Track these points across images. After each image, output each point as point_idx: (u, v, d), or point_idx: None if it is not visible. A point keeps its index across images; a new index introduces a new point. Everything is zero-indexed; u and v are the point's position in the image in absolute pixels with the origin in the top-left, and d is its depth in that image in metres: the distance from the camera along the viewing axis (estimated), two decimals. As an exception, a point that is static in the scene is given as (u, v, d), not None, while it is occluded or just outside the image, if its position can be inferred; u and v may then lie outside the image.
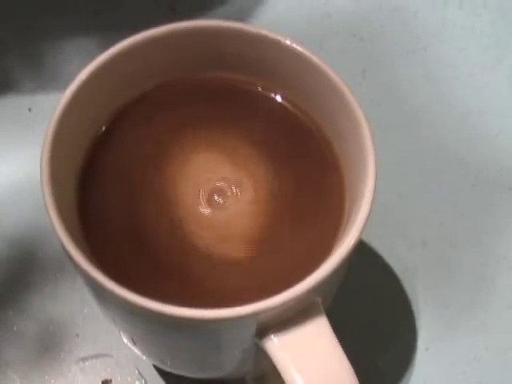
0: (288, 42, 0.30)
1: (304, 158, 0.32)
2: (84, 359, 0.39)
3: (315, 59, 0.30)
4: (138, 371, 0.38)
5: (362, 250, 0.41)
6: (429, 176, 0.45)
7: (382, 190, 0.42)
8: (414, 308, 0.41)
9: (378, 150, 0.42)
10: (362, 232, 0.27)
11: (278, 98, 0.33)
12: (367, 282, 0.41)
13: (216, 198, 0.31)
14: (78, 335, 0.39)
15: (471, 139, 0.46)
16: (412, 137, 0.46)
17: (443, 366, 0.39)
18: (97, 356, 0.39)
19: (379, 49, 0.50)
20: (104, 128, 0.32)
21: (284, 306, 0.25)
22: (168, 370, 0.35)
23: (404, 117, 0.47)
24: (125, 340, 0.34)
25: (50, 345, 0.39)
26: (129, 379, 0.38)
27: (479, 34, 0.51)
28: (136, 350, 0.34)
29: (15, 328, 0.39)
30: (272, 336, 0.26)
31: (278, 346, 0.26)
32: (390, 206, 0.43)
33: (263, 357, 0.27)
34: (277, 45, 0.31)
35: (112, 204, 0.31)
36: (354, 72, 0.48)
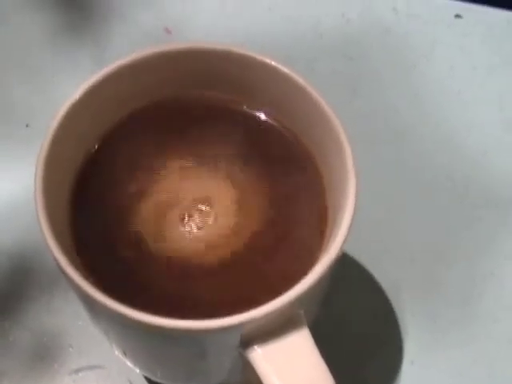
0: (273, 63, 0.32)
1: (288, 175, 0.33)
2: (77, 370, 0.39)
3: (299, 80, 0.31)
4: (130, 382, 0.39)
5: (349, 264, 0.42)
6: (417, 192, 0.46)
7: (371, 206, 0.43)
8: (401, 322, 0.41)
9: (368, 166, 0.43)
10: (342, 247, 0.28)
11: (263, 117, 0.34)
12: (355, 296, 0.42)
13: (199, 214, 0.32)
14: (71, 346, 0.40)
15: (459, 156, 0.47)
16: (401, 154, 0.47)
17: (428, 379, 0.40)
18: (90, 367, 0.39)
19: (369, 68, 0.51)
20: (96, 146, 0.33)
21: (267, 317, 0.26)
22: (158, 380, 0.36)
23: (393, 134, 0.48)
24: (116, 352, 0.35)
25: (44, 356, 0.40)
26: (121, 390, 0.39)
27: (467, 52, 0.52)
28: (127, 362, 0.35)
29: (11, 339, 0.40)
30: (256, 347, 0.27)
31: (262, 357, 0.27)
32: (379, 221, 0.44)
33: (248, 367, 0.28)
34: (262, 66, 0.32)
35: (103, 219, 0.32)
36: (344, 91, 0.49)
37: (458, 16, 0.53)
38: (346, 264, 0.42)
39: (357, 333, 0.41)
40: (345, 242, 0.28)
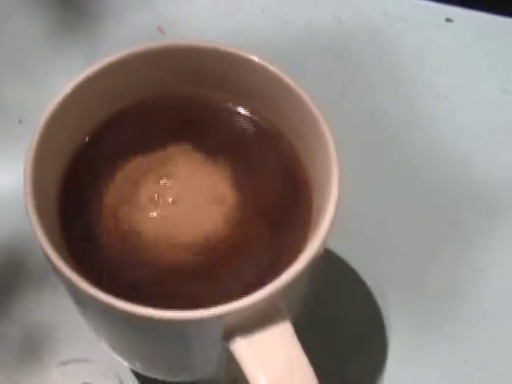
0: (258, 60, 0.32)
1: (272, 170, 0.34)
2: (65, 363, 0.40)
3: (283, 76, 0.32)
4: (117, 375, 0.40)
5: (337, 264, 0.43)
6: (405, 193, 0.46)
7: (359, 206, 0.44)
8: (386, 321, 0.42)
9: (356, 167, 0.44)
10: (323, 242, 0.29)
11: (249, 113, 0.35)
12: (342, 295, 0.42)
13: (186, 207, 0.32)
14: (60, 340, 0.40)
15: (447, 158, 0.48)
16: (390, 155, 0.48)
17: (414, 378, 0.41)
18: (77, 360, 0.40)
19: (360, 69, 0.51)
20: (86, 140, 0.34)
21: (247, 310, 0.27)
22: (145, 373, 0.37)
23: (382, 136, 0.48)
24: (104, 346, 0.35)
25: (33, 349, 0.40)
26: (108, 383, 0.40)
27: (457, 56, 0.52)
28: (115, 355, 0.36)
29: (0, 332, 0.41)
30: (238, 338, 0.28)
31: (244, 348, 0.28)
32: (367, 222, 0.45)
33: (231, 360, 0.29)
34: (247, 63, 0.33)
35: (92, 212, 0.32)
36: (334, 92, 0.50)
37: (448, 20, 0.54)
38: (333, 263, 0.42)
39: (343, 331, 0.41)
40: (326, 237, 0.29)
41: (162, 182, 0.33)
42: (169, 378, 0.36)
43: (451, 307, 0.43)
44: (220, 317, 0.27)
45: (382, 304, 0.42)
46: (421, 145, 0.48)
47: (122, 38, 0.51)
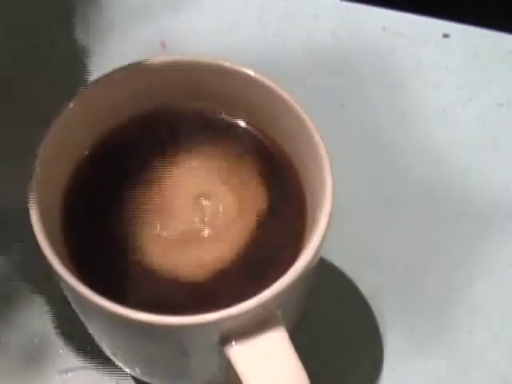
0: (252, 74, 0.34)
1: (269, 182, 0.35)
2: (66, 371, 0.40)
3: (278, 90, 0.33)
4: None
5: (331, 273, 0.43)
6: (400, 206, 0.47)
7: (355, 217, 0.45)
8: (381, 330, 0.42)
9: (352, 179, 0.45)
10: (317, 251, 0.29)
11: (243, 125, 0.36)
12: (335, 303, 0.43)
13: (185, 220, 0.33)
14: (62, 348, 0.41)
15: (441, 172, 0.48)
16: (386, 168, 0.48)
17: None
18: (78, 368, 0.41)
19: (357, 85, 0.52)
20: (87, 153, 0.35)
21: (242, 316, 0.28)
22: (146, 380, 0.37)
23: (379, 150, 0.49)
24: (107, 353, 0.36)
25: (35, 356, 0.41)
26: (109, 391, 0.40)
27: (453, 71, 0.53)
28: (116, 363, 0.36)
29: (2, 339, 0.41)
30: (234, 343, 0.29)
31: (239, 353, 0.28)
32: (362, 232, 0.45)
33: (229, 366, 0.29)
34: (243, 76, 0.34)
35: (94, 222, 0.33)
36: (332, 106, 0.50)
37: (445, 35, 0.54)
38: (327, 273, 0.43)
39: (338, 340, 0.42)
40: (319, 248, 0.29)
41: (162, 195, 0.34)
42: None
43: (446, 316, 0.43)
44: (215, 322, 0.27)
45: (378, 313, 0.43)
46: (417, 158, 0.49)
47: (125, 52, 0.52)
